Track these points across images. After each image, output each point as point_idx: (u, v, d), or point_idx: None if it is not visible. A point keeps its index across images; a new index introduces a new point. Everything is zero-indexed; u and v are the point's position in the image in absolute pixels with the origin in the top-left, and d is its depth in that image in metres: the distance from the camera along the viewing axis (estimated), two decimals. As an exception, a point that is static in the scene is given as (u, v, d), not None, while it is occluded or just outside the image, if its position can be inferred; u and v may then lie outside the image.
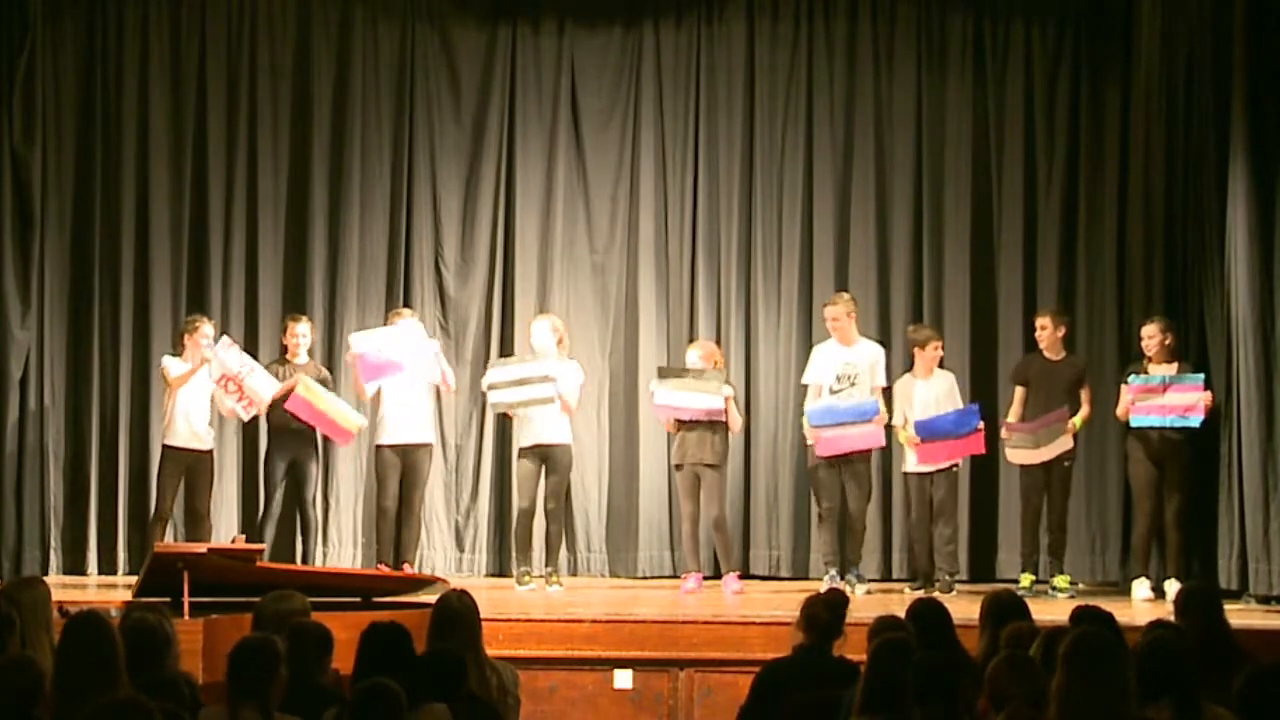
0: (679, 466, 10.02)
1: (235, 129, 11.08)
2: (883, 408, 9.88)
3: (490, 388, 10.16)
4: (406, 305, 10.99)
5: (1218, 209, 9.86)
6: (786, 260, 11.13)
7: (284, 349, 10.34)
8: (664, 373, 10.11)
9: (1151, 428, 9.73)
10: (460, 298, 11.18)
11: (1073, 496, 10.34)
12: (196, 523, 10.02)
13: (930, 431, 9.85)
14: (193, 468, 10.03)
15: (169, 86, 11.04)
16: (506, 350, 11.01)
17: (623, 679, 8.44)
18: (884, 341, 10.84)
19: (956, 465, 10.12)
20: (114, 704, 4.29)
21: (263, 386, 9.94)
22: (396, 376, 10.03)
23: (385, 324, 10.36)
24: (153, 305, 10.89)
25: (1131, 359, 10.19)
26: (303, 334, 10.23)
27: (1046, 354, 10.07)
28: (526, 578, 10.04)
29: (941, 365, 10.25)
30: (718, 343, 10.99)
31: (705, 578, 10.07)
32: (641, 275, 11.15)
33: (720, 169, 11.18)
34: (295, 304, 10.96)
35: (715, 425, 9.94)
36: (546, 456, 10.06)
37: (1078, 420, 9.92)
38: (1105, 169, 10.90)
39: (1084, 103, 10.95)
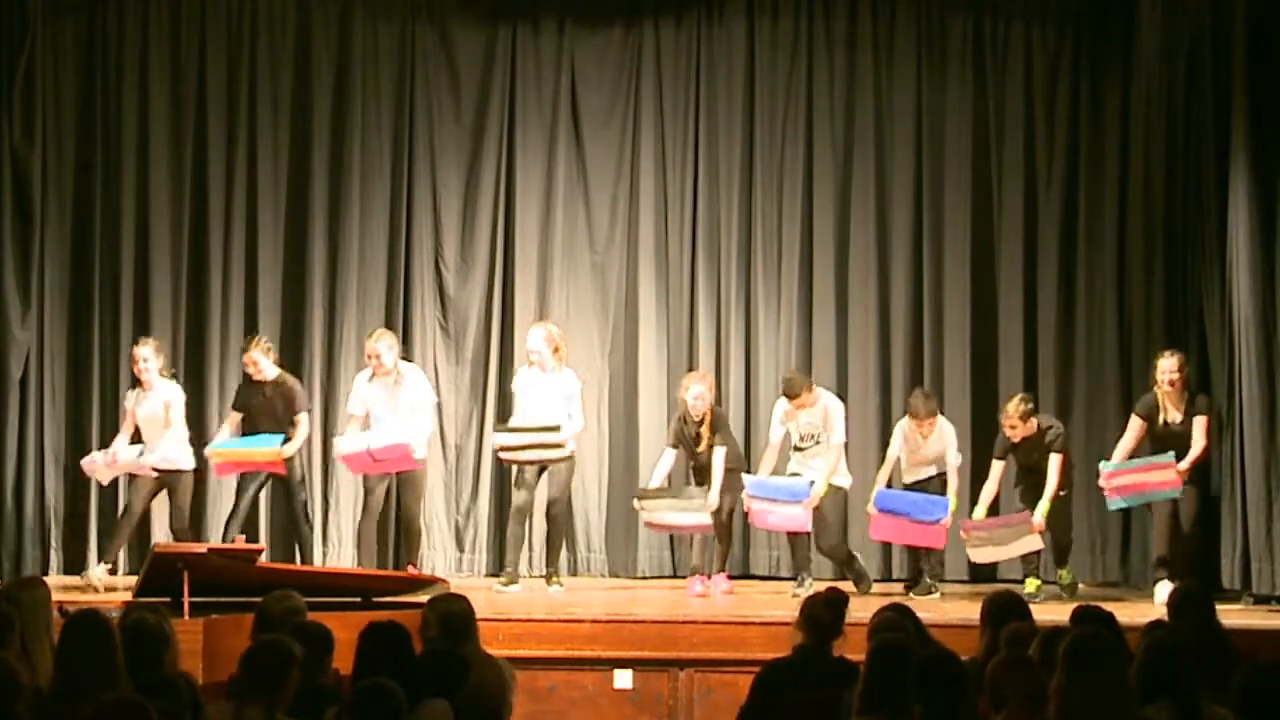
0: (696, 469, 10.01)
1: (235, 129, 11.07)
2: (814, 491, 9.63)
3: (501, 449, 10.13)
4: (406, 305, 11.02)
5: (1218, 209, 9.85)
6: (786, 260, 11.12)
7: (246, 376, 10.14)
8: (644, 494, 9.99)
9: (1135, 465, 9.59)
10: (460, 298, 11.18)
11: (1073, 497, 10.28)
12: (180, 539, 9.94)
13: (890, 506, 9.66)
14: (170, 486, 9.96)
15: (169, 86, 11.03)
16: (506, 351, 11.02)
17: (623, 679, 8.44)
18: (884, 344, 10.87)
19: (944, 473, 9.90)
20: (113, 704, 4.29)
21: (129, 457, 9.90)
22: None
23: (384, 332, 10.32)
24: (153, 305, 10.89)
25: (1137, 390, 10.13)
26: (257, 361, 9.97)
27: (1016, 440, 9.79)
28: (508, 580, 9.96)
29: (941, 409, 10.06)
30: (717, 343, 11.02)
31: (708, 578, 10.06)
32: (641, 275, 11.15)
33: (720, 169, 11.17)
34: (295, 304, 10.99)
35: (729, 431, 9.99)
36: (546, 461, 10.06)
37: (1040, 515, 9.51)
38: (1105, 169, 10.89)
39: (1084, 103, 10.95)
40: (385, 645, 5.26)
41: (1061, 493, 9.70)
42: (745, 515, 10.04)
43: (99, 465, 9.97)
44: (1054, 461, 9.64)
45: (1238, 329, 9.57)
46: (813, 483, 9.70)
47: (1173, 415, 9.62)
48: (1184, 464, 9.42)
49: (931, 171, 11.06)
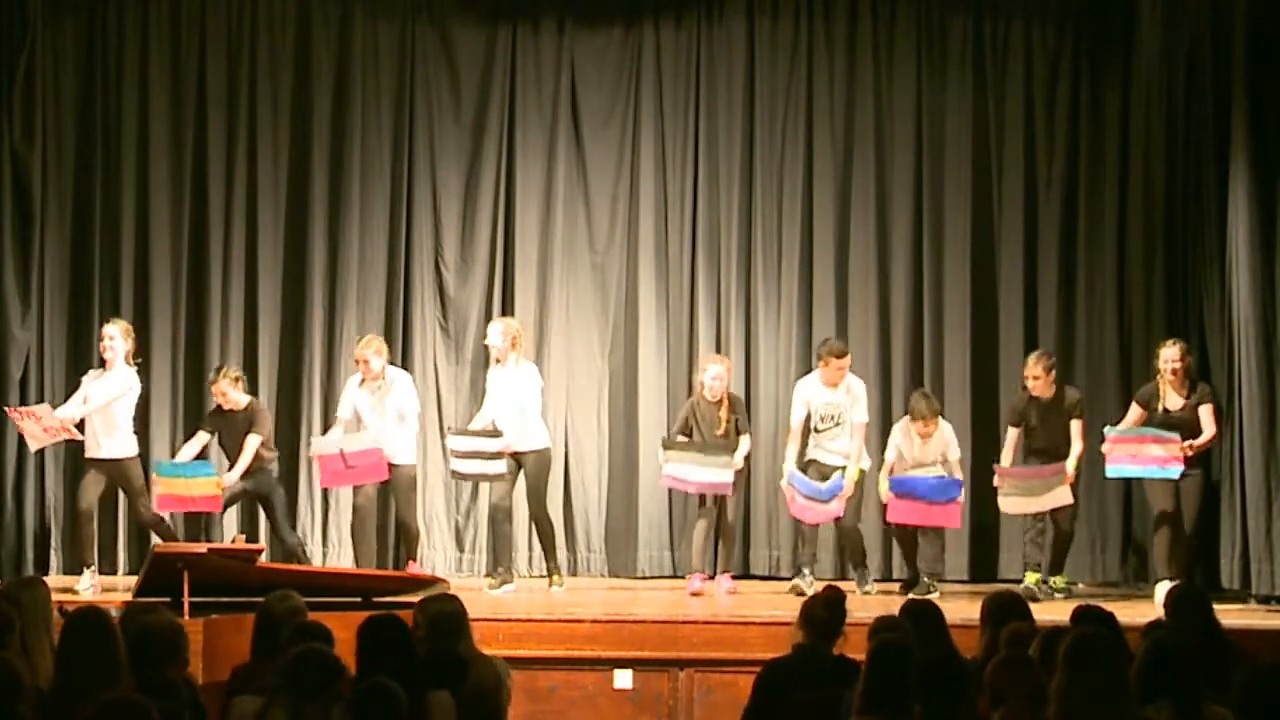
0: None
1: (235, 129, 11.07)
2: (848, 477, 9.72)
3: (452, 453, 10.15)
4: (406, 305, 11.02)
5: (1218, 209, 9.86)
6: (786, 260, 11.12)
7: (217, 405, 10.12)
8: (670, 445, 9.97)
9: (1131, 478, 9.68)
10: (460, 298, 11.18)
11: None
12: (150, 528, 9.94)
13: (905, 489, 9.70)
14: (116, 476, 9.94)
15: (169, 86, 11.03)
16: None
17: (623, 679, 8.44)
18: (884, 343, 10.87)
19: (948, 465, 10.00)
20: (113, 704, 4.29)
21: (50, 417, 9.82)
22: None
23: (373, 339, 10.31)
24: (153, 305, 10.89)
25: (1136, 376, 10.16)
26: (226, 390, 9.97)
27: (1038, 395, 9.83)
28: (497, 581, 9.99)
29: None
30: (717, 342, 11.02)
31: (708, 577, 10.06)
32: (641, 275, 11.15)
33: (720, 169, 11.17)
34: (295, 304, 10.98)
35: (736, 430, 9.98)
36: (521, 463, 10.06)
37: (1071, 466, 9.64)
38: (1105, 169, 10.89)
39: (1084, 103, 10.95)
40: (385, 639, 5.26)
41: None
42: (786, 507, 10.06)
43: (25, 420, 9.83)
44: (1076, 427, 9.74)
45: (1238, 329, 9.58)
46: (843, 470, 9.76)
47: (1174, 401, 9.63)
48: (1195, 442, 9.43)
49: (931, 171, 11.06)
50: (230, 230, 11.04)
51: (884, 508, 9.90)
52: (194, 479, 9.83)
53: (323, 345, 11.00)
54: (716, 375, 9.93)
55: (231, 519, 10.69)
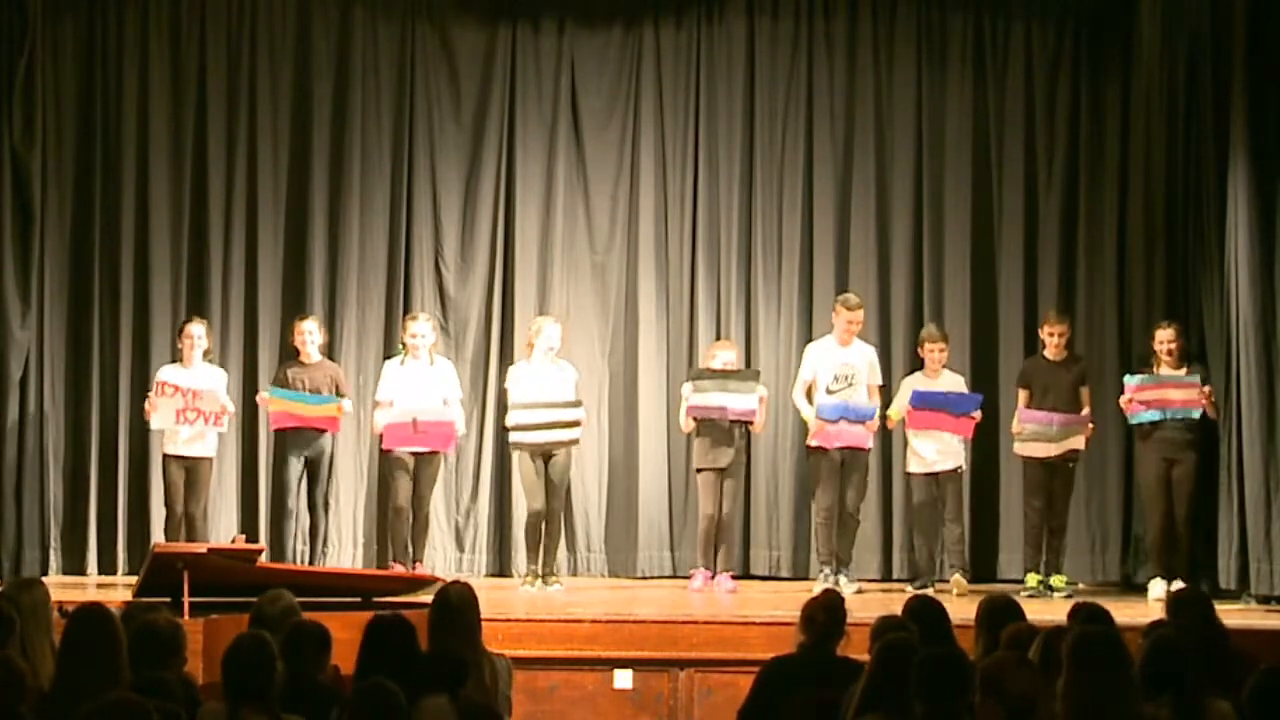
0: (700, 470, 9.97)
1: (235, 129, 11.07)
2: (877, 414, 9.93)
3: (515, 427, 10.09)
4: (406, 305, 11.02)
5: (1218, 209, 9.86)
6: (786, 260, 11.13)
7: (295, 350, 10.26)
8: (701, 375, 10.04)
9: (1156, 423, 9.70)
10: (460, 298, 11.18)
11: (1072, 496, 10.33)
12: (191, 526, 9.99)
13: (924, 401, 9.89)
14: (191, 473, 10.00)
15: (169, 86, 11.03)
16: (507, 351, 11.01)
17: (623, 679, 8.44)
18: (885, 342, 10.87)
19: (961, 467, 10.11)
20: (111, 704, 4.28)
21: (213, 401, 9.96)
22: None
23: (404, 326, 10.33)
24: (153, 305, 10.89)
25: (1135, 360, 10.21)
26: (309, 331, 10.16)
27: (1050, 356, 10.04)
28: (536, 579, 10.02)
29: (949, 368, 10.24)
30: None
31: (711, 575, 10.04)
32: (641, 275, 11.15)
33: (720, 169, 11.18)
34: (295, 304, 10.97)
35: (739, 425, 9.98)
36: (550, 457, 10.06)
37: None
38: (1105, 169, 10.91)
39: (1084, 103, 10.96)
40: (389, 639, 5.25)
41: (1070, 464, 9.91)
42: (806, 448, 10.09)
43: (163, 404, 9.88)
44: (1085, 394, 9.98)
45: (1236, 328, 9.58)
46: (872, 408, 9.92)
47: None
48: (1208, 389, 9.64)
49: (931, 171, 11.07)
50: (230, 230, 11.03)
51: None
52: (313, 404, 9.98)
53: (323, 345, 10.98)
54: (726, 362, 10.00)
55: (231, 519, 10.71)
